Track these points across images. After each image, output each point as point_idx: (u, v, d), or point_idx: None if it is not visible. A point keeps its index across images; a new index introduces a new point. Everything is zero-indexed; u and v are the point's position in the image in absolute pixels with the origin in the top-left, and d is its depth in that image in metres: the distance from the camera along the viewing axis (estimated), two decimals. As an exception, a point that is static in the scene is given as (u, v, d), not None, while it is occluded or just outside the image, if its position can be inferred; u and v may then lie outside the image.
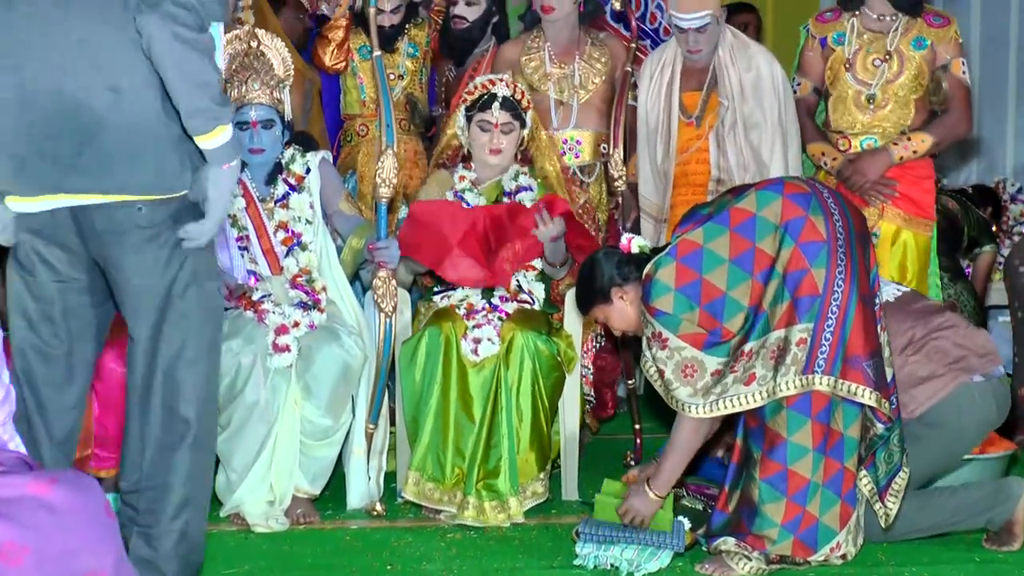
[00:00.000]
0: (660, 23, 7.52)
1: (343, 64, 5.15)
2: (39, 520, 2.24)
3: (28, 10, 2.78)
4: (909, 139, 4.65)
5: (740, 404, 3.49)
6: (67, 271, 2.94)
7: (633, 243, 3.77)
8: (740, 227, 3.51)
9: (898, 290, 4.01)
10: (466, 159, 4.49)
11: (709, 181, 4.62)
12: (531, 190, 4.41)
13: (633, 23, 5.02)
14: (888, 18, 4.71)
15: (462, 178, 4.43)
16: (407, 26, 5.19)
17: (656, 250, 3.70)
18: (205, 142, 2.79)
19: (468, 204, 4.38)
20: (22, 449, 2.56)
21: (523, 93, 4.41)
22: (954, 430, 3.76)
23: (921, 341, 3.81)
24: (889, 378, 3.56)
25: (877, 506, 3.63)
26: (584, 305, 3.88)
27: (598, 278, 3.76)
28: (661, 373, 3.55)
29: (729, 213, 3.55)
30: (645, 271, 3.60)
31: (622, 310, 3.75)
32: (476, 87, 4.42)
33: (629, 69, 4.80)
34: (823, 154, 4.72)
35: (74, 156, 2.77)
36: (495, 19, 5.20)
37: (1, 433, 2.41)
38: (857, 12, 4.75)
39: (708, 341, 3.51)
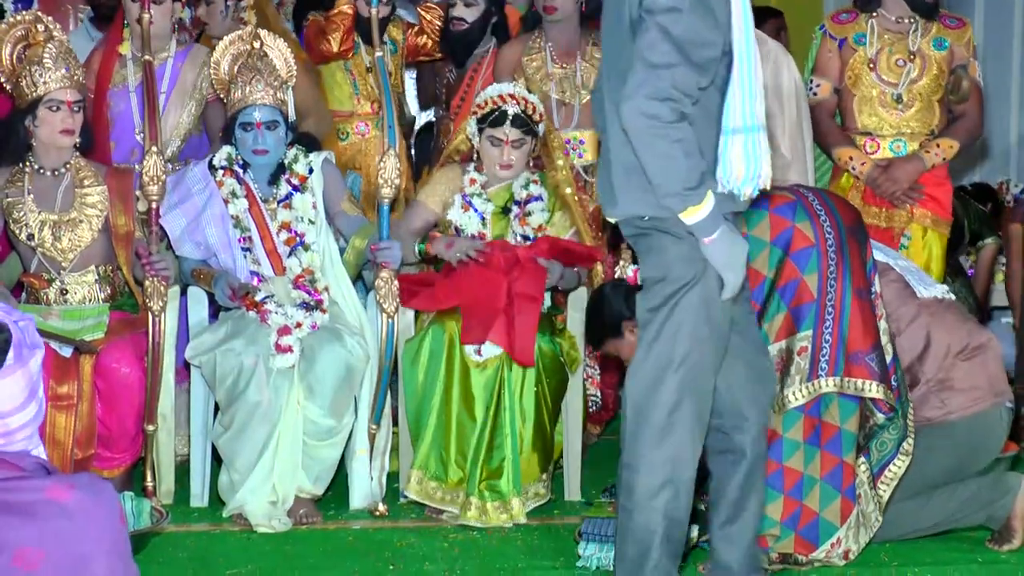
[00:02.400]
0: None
1: (349, 50, 5.07)
2: (56, 526, 2.25)
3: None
4: (938, 145, 4.66)
5: None
6: None
7: (639, 274, 3.77)
8: None
9: (948, 294, 3.99)
10: (475, 159, 4.48)
11: None
12: (541, 199, 4.40)
13: None
14: (906, 20, 4.73)
15: (472, 181, 4.41)
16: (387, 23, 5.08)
17: None
18: (684, 218, 2.91)
19: (476, 209, 4.38)
20: (44, 456, 2.57)
21: (534, 107, 4.39)
22: (975, 447, 3.76)
23: (974, 351, 3.81)
24: (889, 360, 3.57)
25: (870, 492, 3.63)
26: (595, 340, 3.90)
27: (607, 313, 3.77)
28: None
29: None
30: None
31: (633, 343, 3.74)
32: (487, 101, 4.38)
33: None
34: (851, 159, 4.70)
35: None
36: (494, 19, 5.18)
37: (27, 444, 2.42)
38: (875, 13, 4.76)
39: None
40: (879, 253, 3.89)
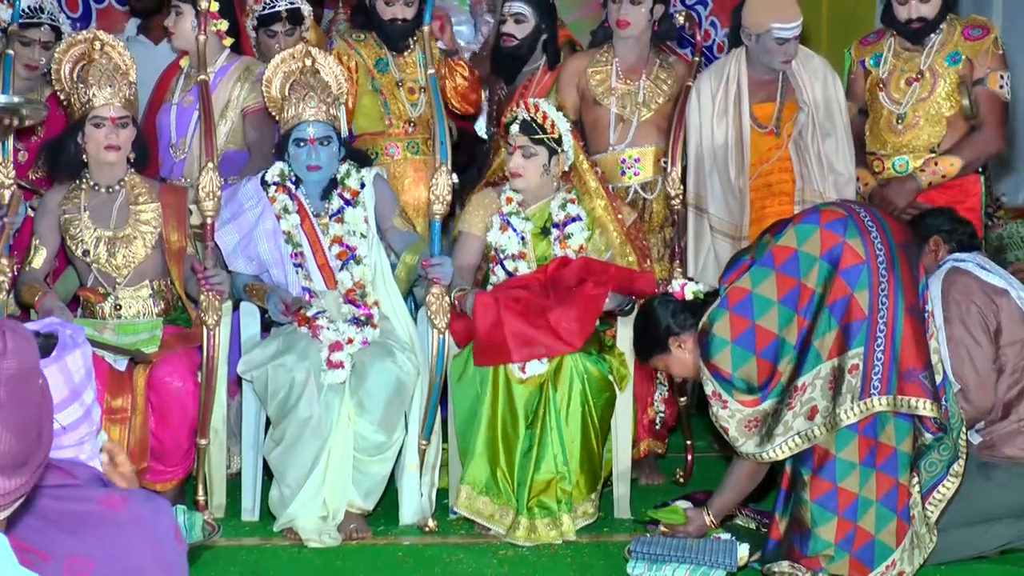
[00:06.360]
0: (714, 40, 7.49)
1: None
2: (107, 536, 2.25)
3: None
4: (937, 163, 4.63)
5: (806, 440, 3.48)
6: None
7: (687, 289, 3.76)
8: (784, 266, 3.51)
9: None
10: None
11: (795, 190, 4.60)
12: (580, 219, 4.36)
13: (698, 37, 4.98)
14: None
15: (509, 200, 4.40)
16: (416, 31, 4.89)
17: (711, 295, 3.70)
18: None
19: (514, 229, 4.35)
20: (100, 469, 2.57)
21: (545, 116, 4.32)
22: None
23: None
24: (939, 381, 3.53)
25: (922, 512, 3.59)
26: (643, 355, 3.89)
27: (653, 328, 3.76)
28: (726, 431, 3.58)
29: (772, 253, 3.54)
30: (701, 324, 3.60)
31: (681, 358, 3.75)
32: (508, 110, 4.43)
33: (690, 84, 4.74)
34: (858, 179, 4.71)
35: None
36: (544, 36, 5.17)
37: (78, 453, 2.42)
38: (895, 33, 4.75)
39: (763, 397, 3.52)
40: (999, 279, 3.87)
